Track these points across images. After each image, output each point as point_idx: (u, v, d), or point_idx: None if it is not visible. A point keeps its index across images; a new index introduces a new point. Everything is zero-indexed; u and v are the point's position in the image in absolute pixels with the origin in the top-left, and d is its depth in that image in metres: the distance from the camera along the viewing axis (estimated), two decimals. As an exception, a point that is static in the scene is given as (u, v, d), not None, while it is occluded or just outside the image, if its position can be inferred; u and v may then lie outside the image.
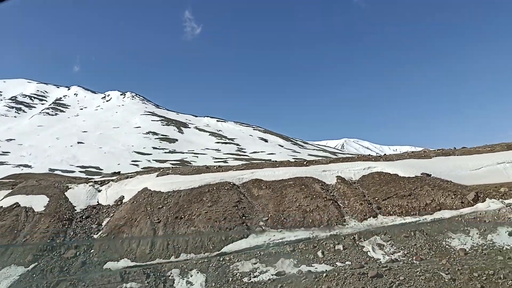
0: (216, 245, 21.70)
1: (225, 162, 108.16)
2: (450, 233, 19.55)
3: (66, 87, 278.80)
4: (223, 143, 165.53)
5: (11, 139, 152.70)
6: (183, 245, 22.00)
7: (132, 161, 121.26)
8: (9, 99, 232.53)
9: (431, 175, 25.07)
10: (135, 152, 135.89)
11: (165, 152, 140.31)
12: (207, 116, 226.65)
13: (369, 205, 23.45)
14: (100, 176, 52.55)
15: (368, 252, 19.20)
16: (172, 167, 37.68)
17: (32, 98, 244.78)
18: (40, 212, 25.94)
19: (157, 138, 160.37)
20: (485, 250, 17.67)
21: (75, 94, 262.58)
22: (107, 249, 22.35)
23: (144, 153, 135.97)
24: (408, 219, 21.47)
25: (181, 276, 19.26)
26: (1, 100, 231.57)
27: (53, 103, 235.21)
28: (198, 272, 19.35)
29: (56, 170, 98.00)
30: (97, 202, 28.03)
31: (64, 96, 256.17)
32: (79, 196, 28.19)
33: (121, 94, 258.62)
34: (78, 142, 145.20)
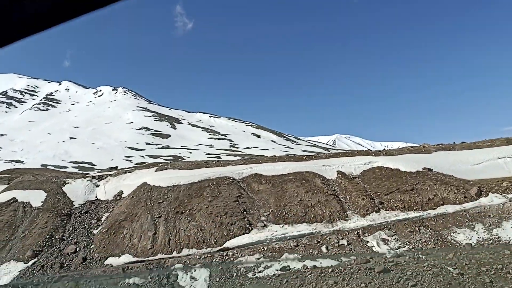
0: (218, 240, 21.51)
1: (218, 157, 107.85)
2: (455, 227, 19.54)
3: (57, 82, 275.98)
4: (216, 138, 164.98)
5: (2, 135, 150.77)
6: (185, 240, 21.78)
7: (125, 156, 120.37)
8: (0, 94, 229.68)
9: (432, 169, 25.07)
10: (128, 147, 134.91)
11: (158, 148, 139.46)
12: (200, 112, 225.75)
13: (371, 200, 23.37)
14: (95, 171, 52.07)
15: (373, 247, 19.13)
16: (170, 162, 37.35)
17: (23, 93, 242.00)
18: (38, 207, 25.55)
19: (150, 134, 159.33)
20: (491, 244, 17.69)
21: (66, 89, 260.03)
22: (108, 244, 22.06)
23: (137, 148, 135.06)
24: (412, 214, 21.42)
25: (184, 271, 19.04)
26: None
27: (44, 98, 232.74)
28: (201, 267, 19.16)
29: (49, 165, 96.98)
30: (96, 197, 27.68)
31: (55, 91, 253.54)
32: (77, 191, 27.81)
33: (113, 90, 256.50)
34: (70, 138, 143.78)
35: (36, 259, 21.27)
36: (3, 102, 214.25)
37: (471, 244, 17.99)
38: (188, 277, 18.67)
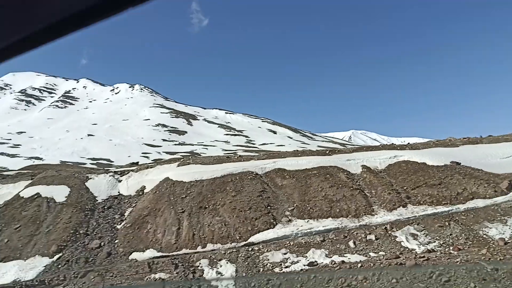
0: (243, 235, 21.32)
1: (235, 154, 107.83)
2: (487, 222, 18.97)
3: (75, 79, 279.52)
4: (232, 135, 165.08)
5: (21, 132, 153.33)
6: (209, 235, 21.64)
7: (142, 153, 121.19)
8: (19, 92, 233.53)
9: (460, 163, 24.45)
10: (145, 144, 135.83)
11: (175, 144, 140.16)
12: (216, 108, 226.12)
13: (397, 195, 22.90)
14: (114, 168, 52.36)
15: (402, 242, 18.70)
16: (191, 157, 37.31)
17: (42, 91, 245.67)
18: (62, 202, 25.68)
19: (167, 130, 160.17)
20: (527, 239, 17.11)
21: (84, 86, 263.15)
22: (132, 239, 22.05)
23: (154, 145, 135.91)
24: (440, 209, 20.90)
25: (210, 267, 18.90)
26: (11, 93, 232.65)
27: (62, 95, 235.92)
28: (227, 262, 18.99)
29: (67, 162, 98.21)
30: (118, 192, 27.74)
31: (73, 88, 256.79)
32: (99, 187, 27.90)
33: (129, 87, 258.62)
34: (88, 135, 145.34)
35: (61, 254, 21.36)
36: (22, 100, 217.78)
37: (505, 239, 17.43)
38: (214, 272, 18.52)
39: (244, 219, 22.36)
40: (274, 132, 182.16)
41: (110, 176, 29.46)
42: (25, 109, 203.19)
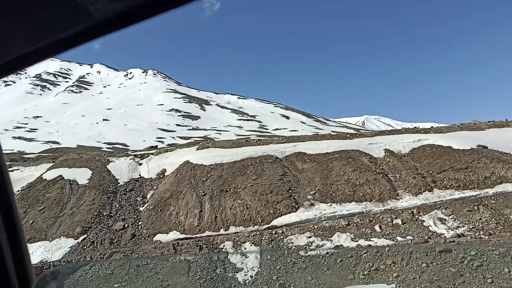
0: (265, 218, 21.23)
1: (248, 139, 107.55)
2: (517, 207, 18.55)
3: (89, 64, 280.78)
4: (245, 120, 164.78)
5: (38, 116, 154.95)
6: (231, 218, 21.59)
7: (157, 137, 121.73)
8: (34, 77, 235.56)
9: (487, 147, 23.89)
10: (159, 129, 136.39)
11: (189, 129, 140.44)
12: (228, 94, 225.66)
13: (423, 179, 22.52)
14: (130, 152, 52.60)
15: (430, 227, 18.40)
16: (210, 141, 37.27)
17: (56, 76, 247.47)
18: (84, 184, 25.84)
19: (180, 115, 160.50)
20: (561, 224, 16.69)
21: (98, 71, 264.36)
22: (155, 221, 22.11)
23: (168, 130, 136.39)
24: (468, 193, 20.50)
25: (234, 249, 18.86)
26: (26, 78, 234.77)
27: (76, 80, 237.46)
28: (251, 245, 18.94)
29: (84, 146, 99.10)
30: (139, 175, 27.81)
31: (87, 73, 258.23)
32: (121, 169, 27.99)
33: (143, 72, 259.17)
34: (103, 119, 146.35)
35: (85, 235, 21.52)
36: (38, 85, 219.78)
37: (537, 224, 17.03)
38: (238, 254, 18.47)
39: (266, 202, 22.24)
40: (287, 117, 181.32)
41: (130, 159, 29.53)
42: (40, 94, 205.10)
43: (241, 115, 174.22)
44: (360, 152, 25.75)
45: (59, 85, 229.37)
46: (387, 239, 17.87)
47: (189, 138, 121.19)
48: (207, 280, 16.92)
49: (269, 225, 20.65)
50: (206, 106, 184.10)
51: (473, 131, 27.58)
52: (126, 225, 22.13)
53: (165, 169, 27.55)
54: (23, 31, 1.25)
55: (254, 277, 16.94)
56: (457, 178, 21.87)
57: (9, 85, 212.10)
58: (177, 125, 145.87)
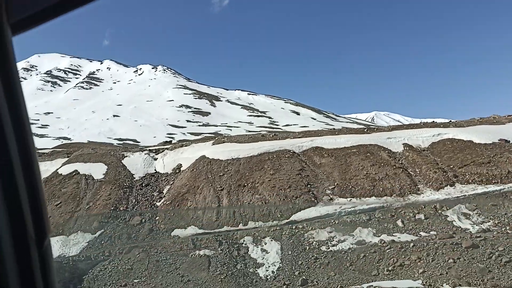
0: (284, 213, 20.96)
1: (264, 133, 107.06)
2: (544, 202, 18.08)
3: (99, 61, 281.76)
4: (255, 116, 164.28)
5: (49, 113, 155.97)
6: (249, 213, 21.36)
7: (167, 133, 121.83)
8: (45, 73, 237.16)
9: (509, 141, 23.36)
10: (169, 125, 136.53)
11: (199, 125, 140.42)
12: (238, 89, 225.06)
13: (444, 173, 22.09)
14: (142, 147, 52.56)
15: (454, 222, 18.01)
16: (226, 135, 37.01)
17: (67, 72, 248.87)
18: (100, 179, 25.77)
19: (190, 111, 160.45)
20: None
21: (107, 68, 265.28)
22: (173, 216, 21.97)
23: (179, 126, 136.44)
24: (491, 188, 20.05)
25: (254, 244, 18.65)
26: (37, 74, 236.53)
27: (87, 77, 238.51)
28: (271, 240, 18.69)
29: (95, 142, 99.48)
30: (155, 170, 27.67)
31: (97, 70, 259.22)
32: (136, 164, 27.87)
33: (152, 68, 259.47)
34: (114, 115, 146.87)
35: (103, 230, 21.44)
36: (48, 81, 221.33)
37: None
38: (259, 249, 18.26)
39: (285, 197, 21.98)
40: (297, 113, 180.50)
41: (145, 154, 29.41)
42: (51, 90, 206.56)
43: (251, 111, 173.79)
44: (378, 147, 25.35)
45: (69, 81, 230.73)
46: (410, 234, 17.52)
47: (200, 134, 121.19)
48: (228, 275, 16.74)
49: (288, 220, 20.39)
50: (216, 102, 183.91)
51: (493, 125, 26.99)
52: (143, 220, 22.00)
53: (181, 164, 27.38)
54: None
55: (275, 273, 16.73)
56: (480, 172, 21.41)
57: (20, 81, 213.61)
58: (188, 121, 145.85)
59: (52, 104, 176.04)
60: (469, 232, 16.83)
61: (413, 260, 15.60)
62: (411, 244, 16.41)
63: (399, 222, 18.44)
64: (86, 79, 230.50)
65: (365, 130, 29.25)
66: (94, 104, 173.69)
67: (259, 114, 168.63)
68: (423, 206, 19.33)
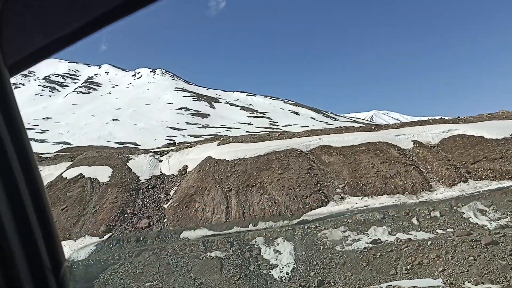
0: (295, 213, 20.60)
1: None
2: (562, 196, 17.75)
3: (97, 65, 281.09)
4: (255, 117, 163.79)
5: (48, 118, 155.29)
6: (259, 214, 21.00)
7: (167, 136, 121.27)
8: (43, 78, 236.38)
9: (521, 136, 23.05)
10: (169, 127, 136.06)
11: (199, 127, 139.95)
12: (237, 91, 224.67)
13: (456, 170, 21.75)
14: (146, 149, 52.11)
15: (470, 219, 17.65)
16: (231, 136, 36.63)
17: (65, 77, 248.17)
18: (106, 182, 25.38)
19: (190, 114, 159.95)
20: None
21: (106, 72, 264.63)
22: (181, 218, 21.58)
23: (178, 128, 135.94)
24: (506, 183, 19.72)
25: (267, 245, 18.27)
26: (35, 80, 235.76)
27: (85, 81, 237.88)
28: (284, 241, 18.31)
29: (95, 146, 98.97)
30: (160, 171, 27.29)
31: (95, 74, 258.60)
32: (141, 166, 27.49)
33: (151, 71, 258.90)
34: (113, 119, 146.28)
35: (110, 234, 21.06)
36: (46, 87, 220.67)
37: None
38: (271, 250, 17.88)
39: (294, 196, 21.62)
40: (297, 114, 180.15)
41: (150, 156, 29.03)
42: (49, 96, 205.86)
43: (250, 112, 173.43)
44: (387, 144, 25.01)
45: (67, 86, 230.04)
46: (426, 232, 17.16)
47: (200, 136, 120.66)
48: (241, 277, 16.35)
49: (299, 219, 20.03)
50: (215, 104, 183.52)
51: (503, 120, 26.69)
52: (151, 223, 21.63)
53: (187, 165, 27.01)
54: (43, 23, 1.31)
55: (290, 274, 16.35)
56: (493, 168, 21.07)
57: (18, 87, 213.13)
58: (187, 123, 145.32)
59: (51, 109, 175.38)
60: (487, 229, 16.47)
61: (431, 258, 15.23)
62: (429, 242, 16.05)
63: (414, 220, 18.08)
64: (84, 84, 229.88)
65: (373, 127, 28.91)
66: (93, 108, 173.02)
67: (259, 115, 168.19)
68: (438, 203, 18.98)
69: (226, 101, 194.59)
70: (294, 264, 16.83)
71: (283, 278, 16.19)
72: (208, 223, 20.85)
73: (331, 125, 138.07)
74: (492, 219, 17.29)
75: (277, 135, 30.09)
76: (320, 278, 15.61)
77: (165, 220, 21.72)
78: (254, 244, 18.37)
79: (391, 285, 14.35)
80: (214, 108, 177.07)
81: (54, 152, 42.87)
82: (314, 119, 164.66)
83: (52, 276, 1.22)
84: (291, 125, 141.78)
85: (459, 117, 28.71)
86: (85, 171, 26.94)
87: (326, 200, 21.31)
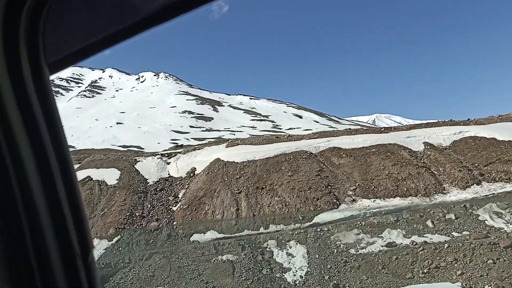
0: (306, 215, 20.34)
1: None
2: None
3: (101, 69, 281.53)
4: (258, 120, 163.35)
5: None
6: (270, 216, 20.74)
7: (171, 139, 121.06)
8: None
9: (535, 138, 22.73)
10: (173, 131, 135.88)
11: (202, 131, 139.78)
12: (240, 94, 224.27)
13: (469, 172, 21.45)
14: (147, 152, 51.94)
15: (486, 221, 17.36)
16: (239, 138, 36.44)
17: (69, 81, 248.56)
18: (114, 185, 25.18)
19: (193, 117, 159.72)
20: None
21: (110, 76, 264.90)
22: (191, 221, 21.34)
23: (182, 131, 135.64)
24: (521, 185, 19.40)
25: (279, 248, 18.00)
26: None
27: (89, 85, 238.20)
28: (296, 244, 18.04)
29: (100, 149, 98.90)
30: (168, 174, 27.08)
31: (99, 78, 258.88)
32: (149, 169, 27.28)
33: (154, 75, 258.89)
34: (117, 123, 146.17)
35: (119, 237, 20.84)
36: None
37: None
38: (284, 253, 17.61)
39: (305, 199, 21.37)
40: (300, 117, 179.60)
41: (158, 158, 28.83)
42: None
43: (254, 115, 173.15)
44: (398, 146, 24.74)
45: (71, 90, 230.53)
46: (442, 234, 16.87)
47: (204, 139, 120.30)
48: (254, 281, 16.09)
49: (311, 222, 19.77)
50: (218, 107, 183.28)
51: (515, 121, 26.36)
52: (160, 225, 21.40)
53: (195, 168, 26.79)
54: (83, 26, 1.38)
55: (304, 277, 16.07)
56: (506, 170, 20.78)
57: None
58: (191, 126, 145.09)
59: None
60: (504, 232, 16.18)
61: (449, 262, 14.94)
62: (445, 245, 15.76)
63: (429, 223, 17.79)
64: (88, 88, 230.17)
65: (382, 129, 28.63)
66: (97, 112, 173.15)
67: (262, 118, 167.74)
68: (452, 206, 18.69)
69: (230, 105, 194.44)
70: (308, 268, 16.55)
71: (297, 282, 15.91)
72: (218, 225, 20.61)
73: (335, 128, 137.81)
74: (509, 221, 17.00)
75: (285, 137, 29.87)
76: (335, 281, 15.34)
77: (174, 223, 21.49)
78: (266, 247, 18.11)
79: (408, 289, 14.06)
80: (217, 111, 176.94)
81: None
82: (317, 122, 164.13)
83: (81, 262, 1.28)
84: (294, 128, 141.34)
85: (469, 119, 28.41)
86: (93, 173, 26.76)
87: (337, 202, 21.05)
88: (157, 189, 25.16)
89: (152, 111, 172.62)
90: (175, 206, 23.14)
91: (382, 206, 19.90)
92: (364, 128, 35.07)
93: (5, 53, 1.27)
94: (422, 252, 15.75)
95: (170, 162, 28.48)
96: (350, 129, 33.39)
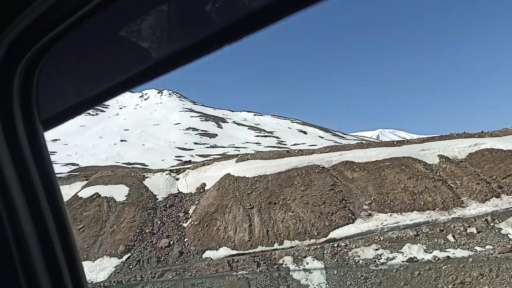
0: (321, 231, 19.83)
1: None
2: None
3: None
4: (263, 136, 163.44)
5: (56, 140, 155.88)
6: (284, 232, 20.24)
7: (176, 156, 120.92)
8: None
9: (553, 149, 22.28)
10: (177, 148, 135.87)
11: (207, 147, 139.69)
12: (244, 111, 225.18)
13: (487, 185, 20.96)
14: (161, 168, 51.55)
15: (509, 235, 16.83)
16: (247, 153, 36.14)
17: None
18: (123, 201, 24.75)
19: (198, 134, 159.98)
20: None
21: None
22: (203, 237, 20.83)
23: (186, 148, 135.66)
24: (543, 198, 18.87)
25: (295, 264, 17.47)
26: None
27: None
28: (313, 260, 17.51)
29: (104, 167, 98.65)
30: (178, 190, 26.65)
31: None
32: (158, 185, 26.87)
33: (158, 92, 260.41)
34: (121, 140, 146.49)
35: (129, 254, 20.35)
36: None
37: None
38: (301, 270, 17.06)
39: (320, 214, 20.87)
40: (305, 132, 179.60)
41: (166, 174, 28.44)
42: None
43: (258, 131, 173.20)
44: (413, 159, 24.30)
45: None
46: (464, 249, 16.32)
47: (208, 156, 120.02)
48: (271, 299, 15.52)
49: (326, 238, 19.25)
50: (222, 124, 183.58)
51: (530, 133, 25.95)
52: (171, 242, 20.90)
53: (205, 183, 26.36)
54: (77, 83, 1.42)
55: (323, 295, 15.50)
56: (526, 182, 20.28)
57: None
58: (195, 143, 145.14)
59: (59, 131, 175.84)
60: (530, 245, 15.61)
61: (474, 277, 14.38)
62: (469, 260, 15.21)
63: (450, 237, 17.25)
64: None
65: (395, 142, 28.23)
66: (101, 129, 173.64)
67: (266, 134, 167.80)
68: (473, 220, 18.17)
69: (234, 121, 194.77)
70: (326, 284, 16.01)
71: (316, 300, 15.35)
72: (231, 242, 20.10)
73: (339, 144, 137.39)
74: (534, 235, 16.43)
75: (296, 151, 29.49)
76: (356, 299, 14.77)
77: (185, 240, 20.99)
78: (282, 264, 17.59)
79: (434, 306, 13.49)
80: (221, 128, 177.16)
81: (67, 172, 42.40)
82: (322, 137, 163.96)
83: (65, 264, 1.25)
84: (299, 144, 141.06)
85: (483, 131, 28.00)
86: (101, 190, 26.36)
87: (353, 217, 20.55)
88: (167, 205, 24.71)
89: (156, 128, 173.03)
90: (185, 223, 22.66)
91: (399, 220, 19.39)
92: (377, 141, 34.64)
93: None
94: (445, 267, 15.20)
95: (179, 178, 28.08)
96: (362, 142, 33.03)
